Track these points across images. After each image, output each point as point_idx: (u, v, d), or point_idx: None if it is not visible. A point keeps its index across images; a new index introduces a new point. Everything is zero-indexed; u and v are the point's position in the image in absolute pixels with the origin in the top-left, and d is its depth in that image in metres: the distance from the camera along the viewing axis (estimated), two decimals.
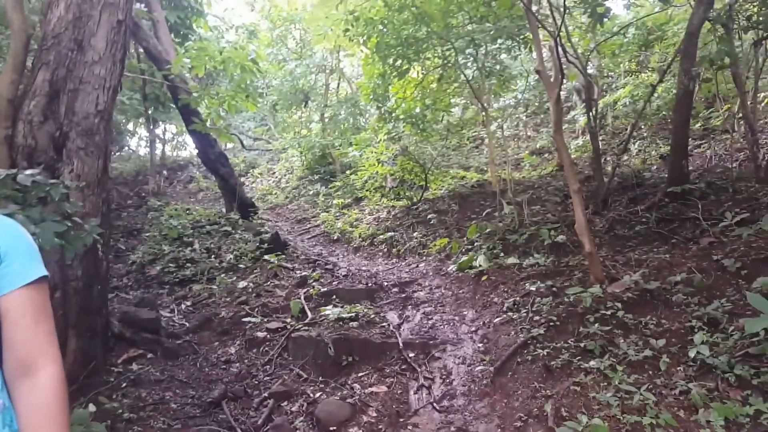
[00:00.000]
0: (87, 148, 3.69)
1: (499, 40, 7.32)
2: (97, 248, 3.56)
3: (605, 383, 3.35)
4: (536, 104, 11.37)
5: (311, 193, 12.46)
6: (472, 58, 7.74)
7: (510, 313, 4.73)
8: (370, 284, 6.17)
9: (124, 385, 3.83)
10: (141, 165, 14.10)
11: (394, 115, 8.25)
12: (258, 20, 15.09)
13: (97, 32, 3.84)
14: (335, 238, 9.33)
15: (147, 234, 7.97)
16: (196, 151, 10.84)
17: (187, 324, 5.23)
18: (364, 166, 9.71)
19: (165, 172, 14.99)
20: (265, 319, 5.26)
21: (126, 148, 15.88)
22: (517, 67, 9.56)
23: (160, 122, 13.90)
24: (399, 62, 7.66)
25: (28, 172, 2.72)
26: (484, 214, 7.23)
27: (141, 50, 9.91)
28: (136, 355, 4.20)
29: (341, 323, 4.91)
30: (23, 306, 1.15)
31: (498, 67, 8.34)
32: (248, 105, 9.15)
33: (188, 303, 5.83)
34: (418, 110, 8.56)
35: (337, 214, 10.34)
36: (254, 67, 8.73)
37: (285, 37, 13.54)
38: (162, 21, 9.31)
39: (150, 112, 11.89)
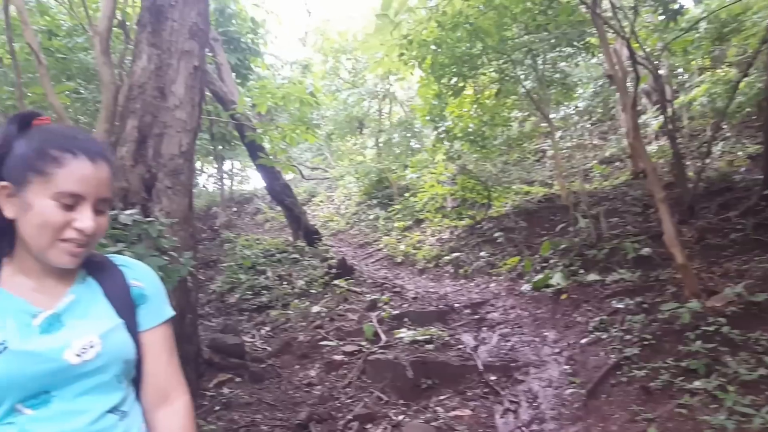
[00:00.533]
0: (174, 187, 3.94)
1: (559, 48, 7.24)
2: (187, 279, 3.76)
3: (715, 405, 3.15)
4: (600, 111, 11.07)
5: (371, 217, 12.62)
6: (530, 69, 7.69)
7: (597, 333, 4.56)
8: (440, 306, 6.14)
9: (217, 408, 3.99)
10: (211, 200, 14.79)
11: (451, 134, 8.28)
12: (311, 55, 15.64)
13: (176, 79, 4.11)
14: (399, 261, 9.37)
15: (223, 264, 8.31)
16: (263, 184, 11.30)
17: (269, 348, 5.39)
18: (423, 187, 9.75)
19: (233, 205, 15.64)
20: (341, 343, 5.33)
21: (197, 184, 16.73)
22: (578, 74, 9.40)
23: (227, 159, 14.57)
24: (454, 81, 7.72)
25: (128, 212, 2.94)
26: (557, 229, 7.07)
27: (208, 93, 10.49)
28: (225, 379, 4.37)
29: (416, 346, 4.90)
30: (162, 341, 1.27)
31: (558, 75, 8.23)
32: (308, 137, 9.48)
33: (267, 328, 6.02)
34: (474, 127, 8.55)
35: (399, 237, 10.40)
36: (312, 99, 9.08)
37: (337, 68, 13.95)
38: (225, 64, 9.84)
39: (217, 150, 12.51)
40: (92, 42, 7.71)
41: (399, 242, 10.01)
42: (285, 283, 7.38)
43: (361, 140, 16.32)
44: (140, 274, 1.28)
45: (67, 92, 6.84)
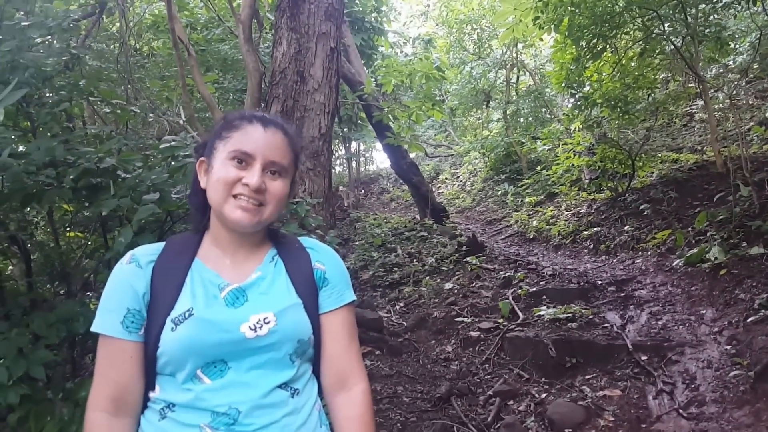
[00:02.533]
0: (315, 168, 4.13)
1: None
2: None
3: None
4: (756, 67, 9.61)
5: (499, 193, 12.29)
6: (679, 24, 6.87)
7: (765, 311, 4.04)
8: (581, 283, 5.81)
9: None
10: (339, 181, 15.42)
11: (590, 100, 7.69)
12: (434, 27, 15.44)
13: (314, 62, 4.27)
14: (531, 237, 9.03)
15: (355, 243, 8.62)
16: (389, 163, 11.49)
17: (405, 324, 5.51)
18: (560, 159, 9.23)
19: (360, 186, 16.16)
20: (476, 319, 5.28)
21: None
22: (734, 26, 8.23)
23: (353, 140, 15.05)
24: (593, 42, 7.14)
25: None
26: (714, 199, 6.31)
27: None
28: (366, 351, 4.55)
29: (557, 324, 4.69)
30: (341, 324, 1.28)
31: (710, 30, 7.25)
32: (434, 113, 9.42)
33: (401, 304, 6.15)
34: (615, 92, 7.85)
35: (530, 213, 10.01)
36: (439, 74, 8.96)
37: (462, 40, 13.63)
38: (353, 45, 10.06)
39: (344, 132, 12.95)
40: (228, 33, 8.33)
41: (530, 218, 9.64)
42: (415, 260, 7.46)
43: (485, 114, 15.89)
44: (325, 258, 1.31)
45: (208, 83, 7.44)
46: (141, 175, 2.33)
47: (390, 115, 9.39)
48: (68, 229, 3.73)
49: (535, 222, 9.19)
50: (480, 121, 16.89)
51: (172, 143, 2.70)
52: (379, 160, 21.96)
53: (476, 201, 12.96)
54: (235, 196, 1.16)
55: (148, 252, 1.22)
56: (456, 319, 5.30)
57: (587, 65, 7.49)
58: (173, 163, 2.70)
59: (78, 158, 2.40)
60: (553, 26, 6.65)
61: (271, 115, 1.27)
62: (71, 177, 2.30)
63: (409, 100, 10.02)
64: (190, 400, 1.11)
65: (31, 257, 3.47)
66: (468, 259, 6.89)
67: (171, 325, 1.12)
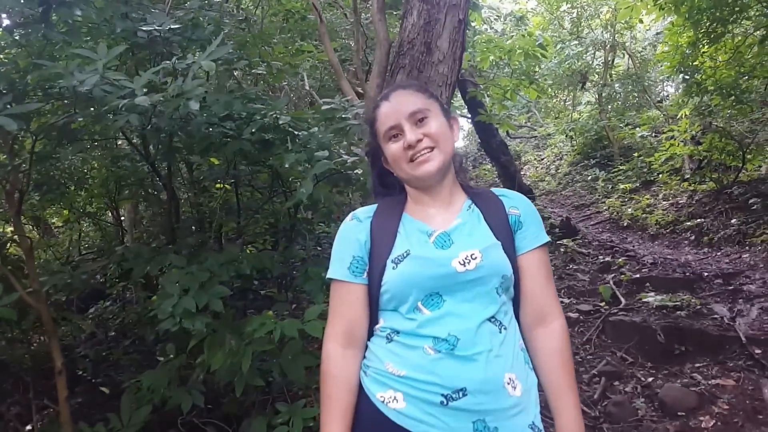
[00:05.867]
0: None
1: None
2: None
3: None
4: None
5: (588, 178, 11.95)
6: None
7: None
8: (686, 273, 5.66)
9: None
10: None
11: (702, 86, 7.31)
12: (528, 4, 14.99)
13: (442, 34, 4.33)
14: (625, 224, 8.79)
15: None
16: (467, 142, 11.43)
17: None
18: (664, 146, 8.86)
19: None
20: (574, 301, 5.29)
21: None
22: None
23: None
24: (712, 26, 6.76)
25: None
26: None
27: None
28: None
29: (664, 311, 4.63)
30: (538, 263, 1.39)
31: None
32: (530, 91, 9.24)
33: None
34: (729, 79, 7.41)
35: (624, 200, 9.71)
36: (540, 52, 8.76)
37: (561, 18, 13.17)
38: None
39: None
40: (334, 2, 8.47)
41: (624, 205, 9.36)
42: None
43: (573, 96, 15.33)
44: (517, 203, 1.43)
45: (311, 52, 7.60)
46: (313, 133, 2.54)
47: (484, 92, 9.33)
48: (202, 182, 4.08)
49: (630, 209, 8.93)
50: (566, 103, 16.35)
51: (332, 106, 2.90)
52: (462, 137, 21.73)
53: (562, 185, 12.68)
54: (412, 160, 1.33)
55: (366, 211, 1.44)
56: None
57: (703, 50, 7.10)
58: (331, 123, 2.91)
59: (253, 114, 2.63)
60: (673, 7, 6.34)
61: (387, 87, 1.47)
62: (252, 130, 2.54)
63: (503, 78, 9.88)
64: (413, 327, 1.27)
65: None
66: (564, 241, 6.84)
67: (392, 265, 1.30)
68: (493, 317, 1.28)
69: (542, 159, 15.39)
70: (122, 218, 5.08)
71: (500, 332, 1.28)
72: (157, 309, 2.17)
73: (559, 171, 13.59)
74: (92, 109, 2.15)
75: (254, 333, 2.36)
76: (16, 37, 2.22)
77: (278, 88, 5.63)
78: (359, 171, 2.79)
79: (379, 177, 1.51)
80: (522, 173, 14.98)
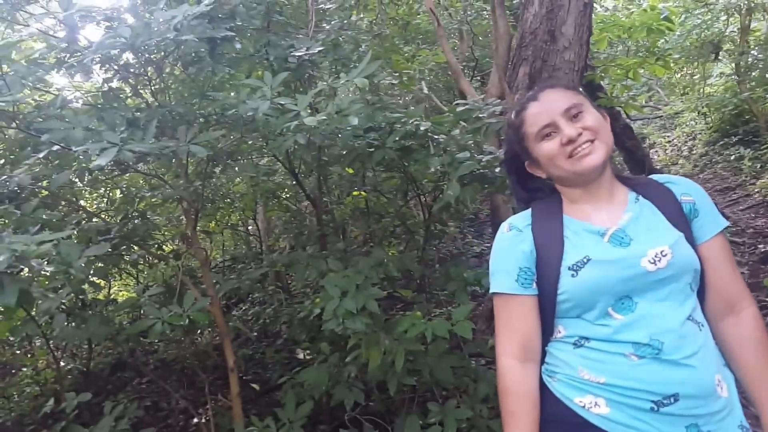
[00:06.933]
0: None
1: None
2: None
3: None
4: None
5: (731, 158, 10.79)
6: None
7: None
8: None
9: None
10: None
11: None
12: None
13: (567, 20, 4.19)
14: None
15: None
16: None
17: None
18: None
19: None
20: None
21: None
22: None
23: None
24: None
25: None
26: None
27: None
28: None
29: None
30: (722, 250, 1.29)
31: None
32: (655, 68, 8.56)
33: None
34: None
35: None
36: (666, 25, 8.10)
37: None
38: None
39: None
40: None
41: None
42: None
43: (700, 70, 13.91)
44: (688, 189, 1.33)
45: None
46: (453, 135, 2.58)
47: (602, 74, 8.81)
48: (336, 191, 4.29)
49: None
50: (695, 77, 14.89)
51: (467, 107, 2.92)
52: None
53: (698, 167, 11.56)
54: (571, 156, 1.26)
55: (522, 218, 1.38)
56: None
57: None
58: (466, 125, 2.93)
59: (394, 123, 2.73)
60: None
61: (537, 86, 1.39)
62: (395, 139, 2.64)
63: (621, 57, 9.24)
64: (609, 334, 1.21)
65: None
66: None
67: (570, 272, 1.24)
68: (690, 316, 1.21)
69: (671, 140, 14.15)
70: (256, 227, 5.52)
71: (700, 330, 1.22)
72: (324, 311, 2.33)
73: (694, 152, 12.41)
74: (255, 132, 2.36)
75: (406, 333, 2.45)
76: (189, 73, 2.50)
77: (399, 95, 5.76)
78: (498, 170, 2.78)
79: (520, 182, 1.47)
80: (650, 158, 13.92)
